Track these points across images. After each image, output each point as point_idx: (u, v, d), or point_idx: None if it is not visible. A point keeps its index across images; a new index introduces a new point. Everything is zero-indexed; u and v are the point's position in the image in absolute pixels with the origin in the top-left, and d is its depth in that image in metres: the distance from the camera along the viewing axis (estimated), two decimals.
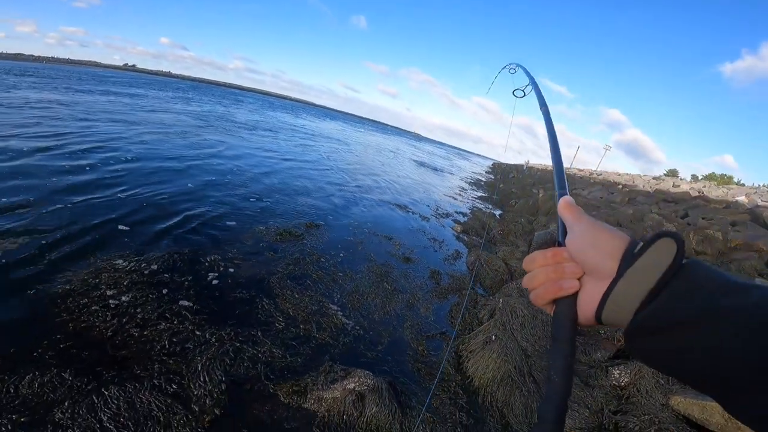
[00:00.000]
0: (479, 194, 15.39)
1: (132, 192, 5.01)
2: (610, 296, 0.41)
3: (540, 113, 0.90)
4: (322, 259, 4.42)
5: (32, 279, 2.87)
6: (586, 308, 0.45)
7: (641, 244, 0.41)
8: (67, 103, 12.27)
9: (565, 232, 0.49)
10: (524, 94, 1.21)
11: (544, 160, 25.84)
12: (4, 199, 3.94)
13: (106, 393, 2.07)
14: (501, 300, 3.97)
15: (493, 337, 3.30)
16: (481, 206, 12.00)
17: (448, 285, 4.77)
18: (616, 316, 0.42)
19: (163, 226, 4.25)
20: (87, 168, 5.54)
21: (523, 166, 37.50)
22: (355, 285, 4.07)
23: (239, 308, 3.16)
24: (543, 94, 1.01)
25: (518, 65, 1.45)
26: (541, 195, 12.35)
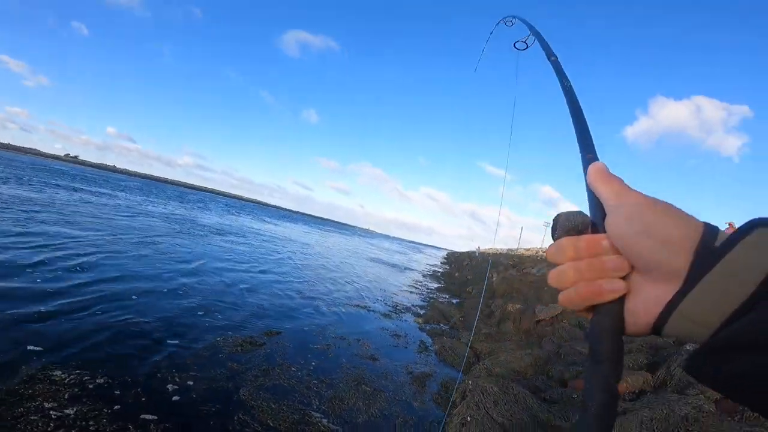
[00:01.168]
0: (436, 285, 15.84)
1: (86, 312, 4.69)
2: (679, 306, 0.31)
3: (548, 64, 0.77)
4: (293, 368, 4.35)
5: None
6: (639, 317, 0.34)
7: (721, 233, 0.31)
8: (44, 203, 12.39)
9: (601, 213, 0.37)
10: (527, 46, 1.10)
11: (494, 244, 26.99)
12: None
13: None
14: (470, 382, 4.10)
15: (468, 418, 3.37)
16: (439, 297, 12.34)
17: (420, 375, 4.82)
18: (684, 331, 0.31)
19: (109, 341, 3.98)
20: (60, 290, 5.13)
21: (474, 252, 39.23)
22: (334, 391, 4.00)
23: (210, 421, 3.01)
24: (549, 44, 0.87)
25: (515, 17, 1.29)
26: (494, 278, 13.01)
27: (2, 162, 30.08)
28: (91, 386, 3.08)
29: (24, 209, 10.46)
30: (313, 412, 3.49)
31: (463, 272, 21.74)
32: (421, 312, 9.12)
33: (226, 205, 51.42)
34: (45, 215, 10.26)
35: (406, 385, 4.50)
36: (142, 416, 2.85)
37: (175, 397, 3.24)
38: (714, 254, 0.29)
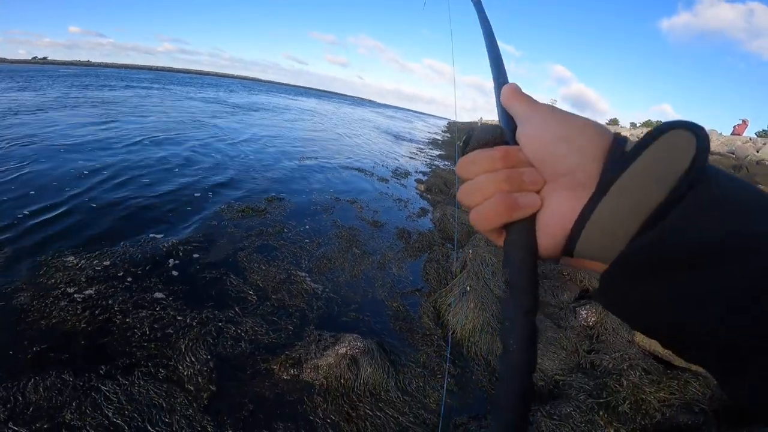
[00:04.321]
0: (438, 153, 15.44)
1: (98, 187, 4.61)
2: (591, 216, 0.27)
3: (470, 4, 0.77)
4: (285, 230, 4.25)
5: None
6: (551, 235, 0.30)
7: (630, 140, 0.28)
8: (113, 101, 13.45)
9: (515, 128, 0.34)
10: None
11: (496, 115, 26.00)
12: None
13: (104, 389, 2.02)
14: (471, 251, 4.00)
15: (468, 288, 3.32)
16: (441, 164, 12.06)
17: (416, 243, 4.75)
18: (597, 246, 0.28)
19: (115, 216, 3.96)
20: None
21: (477, 123, 38.12)
22: (324, 251, 3.96)
23: (211, 288, 3.08)
24: None
25: None
26: None
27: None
28: (99, 268, 3.07)
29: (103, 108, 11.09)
30: (299, 272, 3.50)
31: None
32: (423, 178, 8.90)
33: (229, 84, 49.51)
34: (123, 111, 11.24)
35: (398, 251, 4.43)
36: (153, 291, 2.90)
37: (177, 263, 3.30)
38: (625, 158, 0.26)
